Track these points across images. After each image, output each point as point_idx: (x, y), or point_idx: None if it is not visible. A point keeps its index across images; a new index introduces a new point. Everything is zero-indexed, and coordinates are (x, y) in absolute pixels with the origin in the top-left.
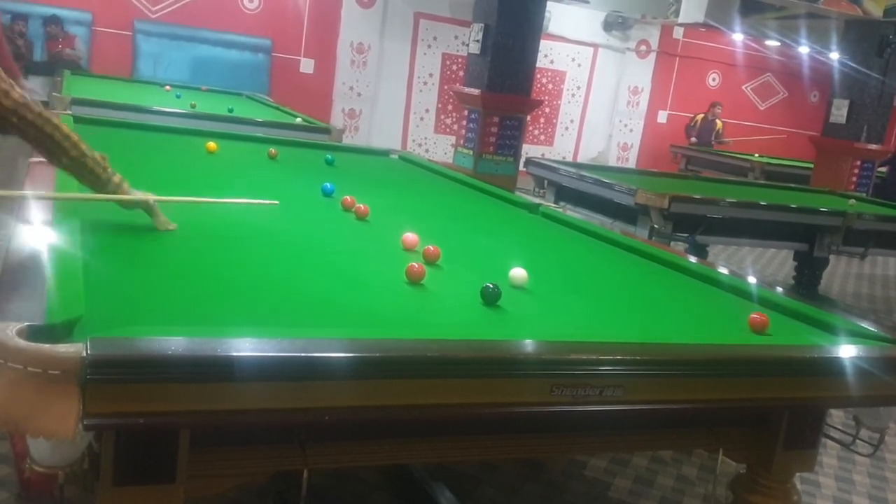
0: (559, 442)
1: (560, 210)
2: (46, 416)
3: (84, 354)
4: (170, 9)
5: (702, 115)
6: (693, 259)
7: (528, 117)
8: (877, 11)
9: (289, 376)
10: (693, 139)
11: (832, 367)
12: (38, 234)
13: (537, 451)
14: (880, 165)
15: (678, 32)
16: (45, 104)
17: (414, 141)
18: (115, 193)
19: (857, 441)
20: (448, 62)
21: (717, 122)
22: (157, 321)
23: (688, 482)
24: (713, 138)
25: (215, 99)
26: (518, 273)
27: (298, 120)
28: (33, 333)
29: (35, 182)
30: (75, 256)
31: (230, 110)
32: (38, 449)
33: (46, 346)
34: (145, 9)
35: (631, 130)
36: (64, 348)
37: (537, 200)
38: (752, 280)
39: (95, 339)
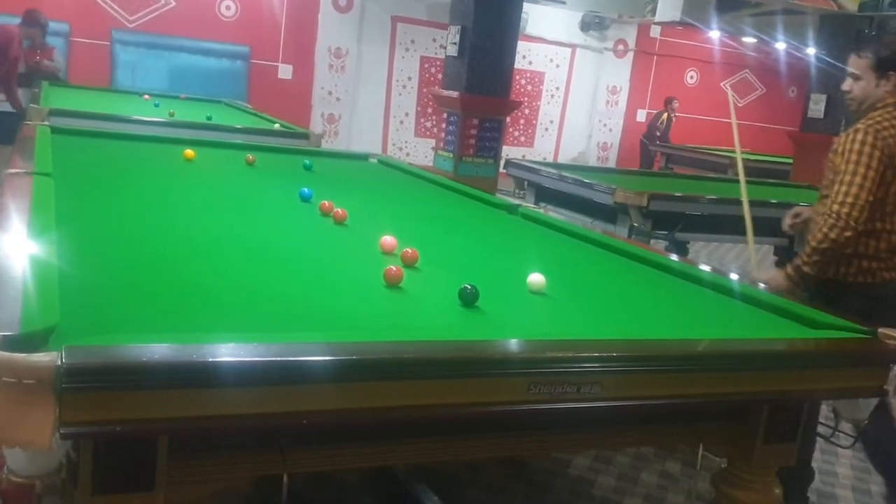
0: (539, 440)
1: (540, 211)
2: (22, 426)
3: (59, 363)
4: (147, 18)
5: (665, 114)
6: (673, 256)
7: (508, 119)
8: (851, 6)
9: (266, 381)
10: (657, 134)
11: (811, 361)
12: (13, 243)
13: (518, 449)
14: None
15: (655, 31)
16: (24, 115)
17: (394, 145)
18: None
19: (837, 433)
20: (426, 65)
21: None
22: (133, 329)
23: (671, 478)
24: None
25: (194, 107)
26: (535, 279)
27: (277, 126)
28: (7, 343)
29: (14, 193)
30: (50, 265)
31: (209, 118)
32: (15, 459)
33: (21, 356)
34: (122, 18)
35: (610, 130)
36: (38, 357)
37: (517, 201)
38: (732, 276)
39: (71, 347)
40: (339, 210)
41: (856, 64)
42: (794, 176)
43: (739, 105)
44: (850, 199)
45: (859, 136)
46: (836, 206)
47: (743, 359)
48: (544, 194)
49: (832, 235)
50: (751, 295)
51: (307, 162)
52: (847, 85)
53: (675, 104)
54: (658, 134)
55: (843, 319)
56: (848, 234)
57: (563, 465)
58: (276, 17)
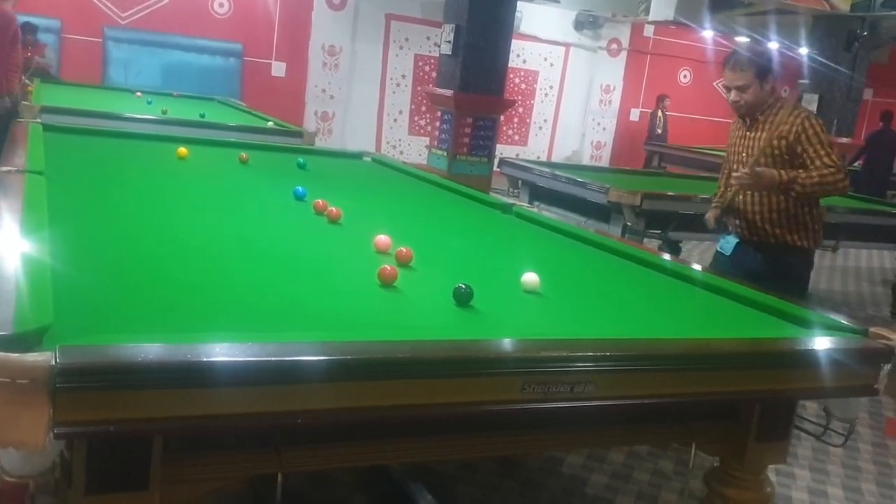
0: (533, 439)
1: (533, 210)
2: (16, 426)
3: (53, 363)
4: (139, 14)
5: (660, 113)
6: (666, 256)
7: (502, 117)
8: (844, 6)
9: (261, 380)
10: (658, 132)
11: (803, 360)
12: (5, 242)
13: (512, 448)
14: (851, 162)
15: (649, 30)
16: (15, 112)
17: (388, 143)
18: None
19: (829, 432)
20: (420, 63)
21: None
22: (127, 328)
23: (664, 476)
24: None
25: (187, 104)
26: (529, 278)
27: (270, 124)
28: (1, 343)
29: (6, 191)
30: (44, 264)
31: (202, 115)
32: (9, 459)
33: (14, 356)
34: (115, 15)
35: (604, 129)
36: (32, 357)
37: (511, 200)
38: (723, 275)
39: (64, 347)
40: (334, 209)
41: (741, 77)
42: None
43: None
44: (839, 162)
45: (818, 121)
46: (837, 164)
47: (735, 358)
48: (538, 193)
49: (840, 183)
50: (743, 294)
51: (301, 160)
52: (736, 96)
53: (667, 102)
54: (659, 132)
55: (835, 319)
56: (846, 183)
57: (557, 464)
58: (269, 15)
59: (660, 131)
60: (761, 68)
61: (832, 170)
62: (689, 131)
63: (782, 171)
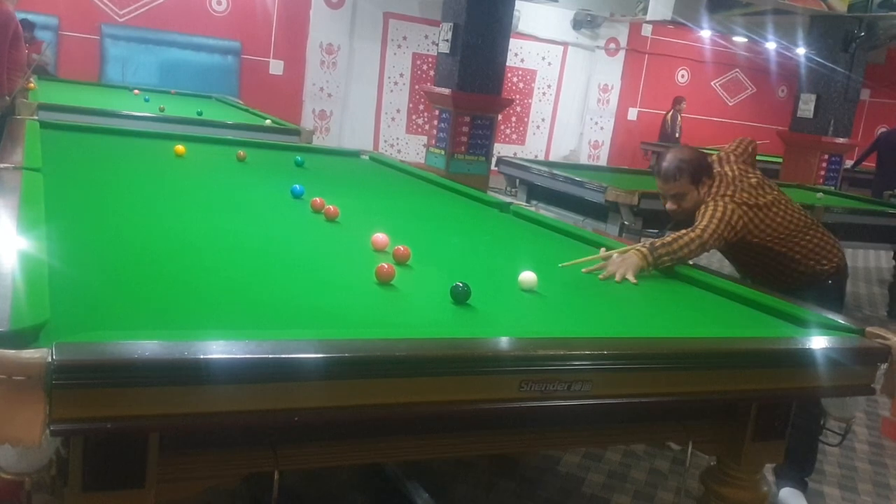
0: (530, 437)
1: (531, 209)
2: (12, 423)
3: (49, 359)
4: (137, 12)
5: (679, 117)
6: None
7: (500, 116)
8: (841, 7)
9: (258, 378)
10: (676, 135)
11: (800, 359)
12: (2, 239)
13: (509, 446)
14: (857, 162)
15: (647, 30)
16: (13, 110)
17: (386, 141)
18: None
19: (825, 431)
20: (418, 62)
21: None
22: (123, 325)
23: (660, 476)
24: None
25: (184, 102)
26: (527, 277)
27: (268, 122)
28: None
29: (3, 188)
30: (40, 261)
31: (199, 113)
32: (5, 456)
33: (11, 352)
34: (112, 12)
35: (602, 128)
36: (29, 353)
37: (508, 199)
38: (721, 275)
39: (61, 343)
40: (331, 207)
41: (675, 187)
42: (784, 175)
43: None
44: (704, 231)
45: (719, 203)
46: (701, 231)
47: (732, 357)
48: (536, 192)
49: (686, 240)
50: (740, 293)
51: (299, 158)
52: (673, 205)
53: (683, 104)
54: (678, 135)
55: (832, 318)
56: (693, 247)
57: (554, 463)
58: (267, 13)
59: (678, 135)
60: (694, 171)
61: (690, 232)
62: (685, 130)
63: (642, 246)
